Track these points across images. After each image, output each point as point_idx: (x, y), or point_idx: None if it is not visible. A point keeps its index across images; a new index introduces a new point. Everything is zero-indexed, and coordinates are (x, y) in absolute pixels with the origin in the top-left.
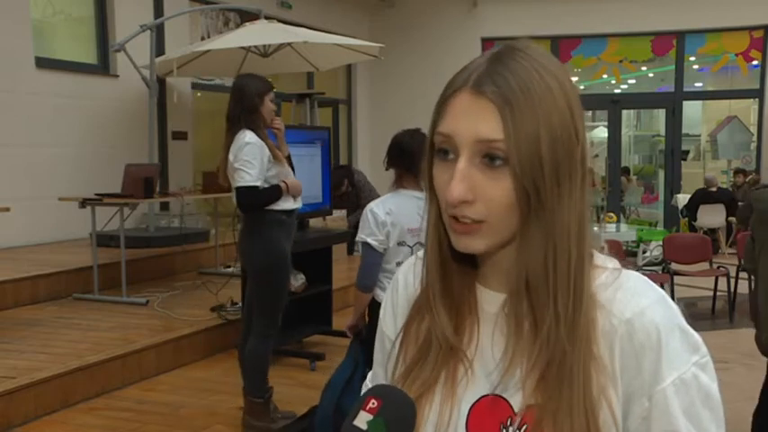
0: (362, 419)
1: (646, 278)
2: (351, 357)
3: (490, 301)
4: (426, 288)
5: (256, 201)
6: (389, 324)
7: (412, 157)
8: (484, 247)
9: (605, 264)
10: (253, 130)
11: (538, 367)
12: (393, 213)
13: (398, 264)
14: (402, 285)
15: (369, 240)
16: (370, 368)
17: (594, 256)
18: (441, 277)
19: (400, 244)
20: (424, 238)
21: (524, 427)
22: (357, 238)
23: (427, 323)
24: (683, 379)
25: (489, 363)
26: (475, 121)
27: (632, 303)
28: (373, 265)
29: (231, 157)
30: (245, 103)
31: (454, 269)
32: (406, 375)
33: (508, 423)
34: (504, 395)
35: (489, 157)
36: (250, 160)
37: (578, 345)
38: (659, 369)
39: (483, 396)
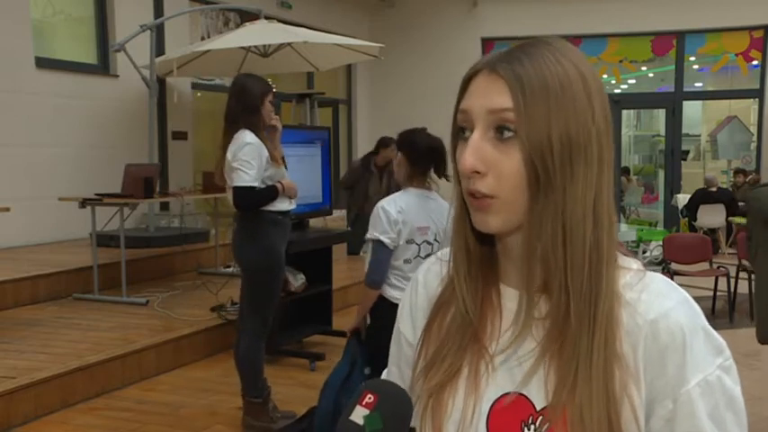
0: (359, 414)
1: (669, 280)
2: (348, 356)
3: (511, 297)
4: (451, 278)
5: (253, 201)
6: (407, 324)
7: (419, 155)
8: (498, 224)
9: (630, 265)
10: (252, 130)
11: (560, 365)
12: (404, 211)
13: (406, 261)
14: (422, 285)
15: (382, 238)
16: (369, 366)
17: (619, 257)
18: (466, 263)
19: (409, 242)
20: (430, 237)
21: (546, 426)
22: (368, 236)
23: (450, 317)
24: (708, 381)
25: (511, 360)
26: (487, 95)
27: (657, 304)
28: (384, 262)
29: (229, 156)
30: (246, 103)
31: (478, 258)
32: (428, 369)
33: (529, 421)
34: (526, 393)
35: (501, 131)
36: (249, 161)
37: (598, 338)
38: (683, 370)
39: (504, 394)
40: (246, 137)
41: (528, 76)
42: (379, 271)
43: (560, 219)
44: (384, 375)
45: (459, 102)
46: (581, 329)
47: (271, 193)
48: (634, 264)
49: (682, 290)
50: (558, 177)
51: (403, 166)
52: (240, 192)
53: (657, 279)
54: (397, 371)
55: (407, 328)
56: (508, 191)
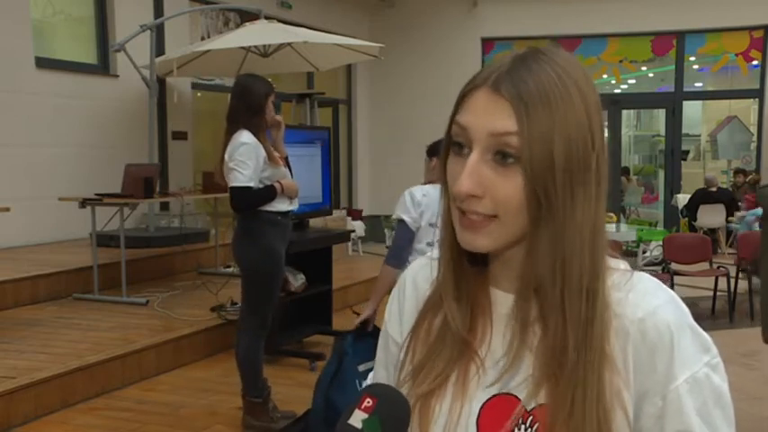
0: (357, 418)
1: (656, 279)
2: (335, 353)
3: (502, 301)
4: (439, 285)
5: (250, 201)
6: (395, 326)
7: None
8: (487, 245)
9: (617, 265)
10: (252, 130)
11: (550, 367)
12: (429, 195)
13: (429, 244)
14: (410, 286)
15: (403, 217)
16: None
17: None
18: (453, 274)
19: (431, 225)
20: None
21: (536, 426)
22: (393, 216)
23: (439, 321)
24: (696, 378)
25: (501, 362)
26: (490, 117)
27: (644, 303)
28: (405, 242)
29: (226, 156)
30: (249, 104)
31: (467, 267)
32: (415, 373)
33: (520, 422)
34: (517, 394)
35: (501, 155)
36: (245, 160)
37: (591, 345)
38: (672, 368)
39: (495, 395)
40: (243, 137)
41: (532, 98)
42: (400, 250)
43: (561, 248)
44: (370, 378)
45: (454, 114)
46: (578, 352)
47: (268, 193)
48: (621, 264)
49: (668, 289)
50: (559, 203)
51: (438, 169)
52: (236, 192)
53: (644, 278)
54: (386, 373)
55: (395, 330)
56: (507, 214)
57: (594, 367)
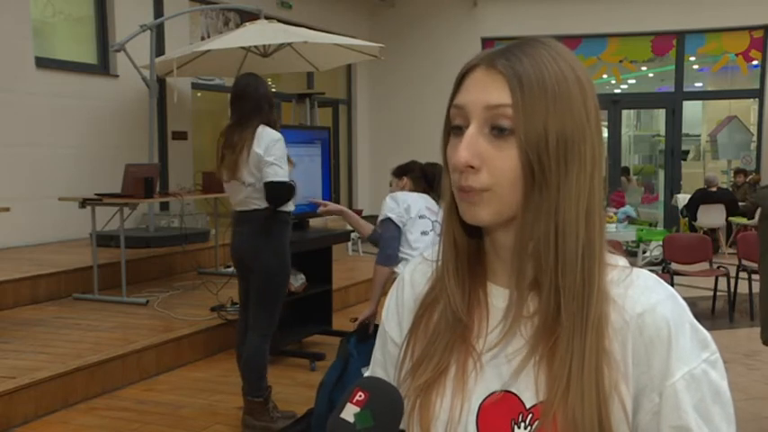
0: (350, 412)
1: (655, 276)
2: (340, 356)
3: (498, 296)
4: (438, 277)
5: (287, 196)
6: (393, 325)
7: (431, 180)
8: (488, 216)
9: (616, 262)
10: (275, 127)
11: (551, 363)
12: (408, 196)
13: (423, 233)
14: (408, 284)
15: (389, 215)
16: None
17: (605, 254)
18: (455, 259)
19: (421, 217)
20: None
21: (536, 424)
22: (378, 220)
23: (437, 316)
24: (693, 374)
25: (499, 358)
26: (485, 91)
27: (643, 299)
28: (393, 238)
29: (260, 150)
30: (258, 101)
31: (466, 258)
32: (415, 368)
33: (519, 419)
34: (515, 391)
35: (498, 129)
36: (282, 156)
37: (590, 338)
38: (669, 364)
39: (493, 392)
40: (274, 133)
41: (527, 73)
42: (388, 248)
43: (553, 217)
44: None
45: (453, 97)
46: (573, 328)
47: (294, 190)
48: (620, 261)
49: (668, 285)
50: (553, 175)
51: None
52: (277, 186)
53: (644, 275)
54: (383, 374)
55: (393, 328)
56: (502, 186)
57: (592, 358)
